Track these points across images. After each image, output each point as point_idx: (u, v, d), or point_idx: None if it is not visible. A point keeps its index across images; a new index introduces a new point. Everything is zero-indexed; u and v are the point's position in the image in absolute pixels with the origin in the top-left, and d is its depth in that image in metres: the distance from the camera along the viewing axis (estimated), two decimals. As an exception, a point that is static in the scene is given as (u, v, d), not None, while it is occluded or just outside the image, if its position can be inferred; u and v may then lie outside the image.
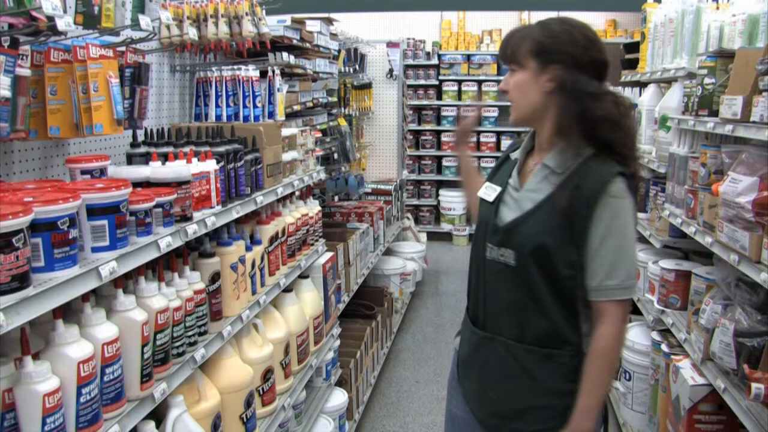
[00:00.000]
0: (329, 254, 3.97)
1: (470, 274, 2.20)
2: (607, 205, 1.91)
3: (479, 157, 9.87)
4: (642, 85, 4.84)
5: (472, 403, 2.19)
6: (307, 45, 4.27)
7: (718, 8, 3.56)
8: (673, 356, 3.26)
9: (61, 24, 1.86)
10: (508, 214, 2.05)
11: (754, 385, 2.25)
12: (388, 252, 6.80)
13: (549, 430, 2.03)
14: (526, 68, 1.99)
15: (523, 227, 1.99)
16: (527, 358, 2.03)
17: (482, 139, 9.98)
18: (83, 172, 2.10)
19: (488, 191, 2.15)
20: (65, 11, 1.97)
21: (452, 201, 9.62)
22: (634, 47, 5.23)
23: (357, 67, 6.42)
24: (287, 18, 3.95)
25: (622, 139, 1.96)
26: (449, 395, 2.34)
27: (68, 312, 1.82)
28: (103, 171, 2.14)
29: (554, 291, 1.98)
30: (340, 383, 4.20)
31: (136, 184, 2.11)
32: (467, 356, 2.20)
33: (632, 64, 5.14)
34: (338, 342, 4.16)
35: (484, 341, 2.12)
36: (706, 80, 2.99)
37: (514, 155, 2.18)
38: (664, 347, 3.44)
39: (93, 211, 1.79)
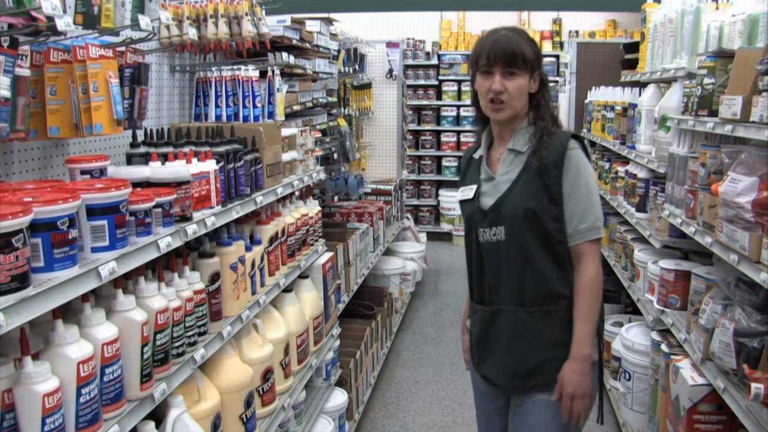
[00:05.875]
0: (329, 254, 3.97)
1: (469, 264, 2.52)
2: (570, 163, 2.28)
3: (441, 157, 10.17)
4: (642, 85, 4.84)
5: (493, 375, 2.48)
6: (307, 45, 4.27)
7: (717, 8, 3.55)
8: (672, 356, 3.26)
9: (60, 24, 1.86)
10: (490, 199, 2.36)
11: (753, 385, 2.25)
12: (388, 252, 6.80)
13: (538, 376, 2.35)
14: (525, 73, 2.29)
15: (508, 202, 2.31)
16: (530, 318, 2.34)
17: (443, 139, 10.16)
18: (83, 172, 2.10)
19: (466, 192, 2.46)
20: (65, 11, 1.97)
21: (452, 201, 9.60)
22: (633, 47, 5.24)
23: (357, 67, 6.42)
24: (287, 18, 3.95)
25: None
26: (471, 377, 2.67)
27: (68, 312, 1.82)
28: (102, 171, 2.14)
29: (547, 251, 2.30)
30: (340, 383, 4.20)
31: (136, 185, 2.11)
32: (480, 334, 2.48)
33: (632, 64, 5.15)
34: (338, 342, 4.16)
35: (493, 315, 2.40)
36: (706, 80, 2.99)
37: (477, 154, 2.49)
38: (663, 347, 3.44)
39: (93, 211, 1.79)
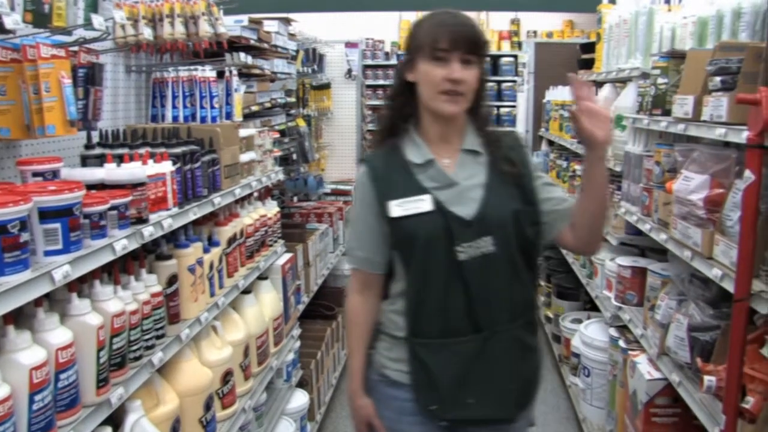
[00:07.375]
0: (288, 255, 3.95)
1: (417, 295, 2.06)
2: (530, 158, 2.17)
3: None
4: (598, 84, 4.91)
5: (490, 411, 2.07)
6: (265, 45, 4.24)
7: (670, 10, 3.63)
8: (630, 352, 3.32)
9: (8, 22, 1.82)
10: (465, 208, 2.01)
11: (706, 378, 2.31)
12: (349, 252, 6.77)
13: (535, 395, 2.19)
14: (479, 64, 2.02)
15: (494, 207, 2.02)
16: (521, 333, 2.09)
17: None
18: (35, 174, 2.05)
19: (414, 205, 2.03)
20: (12, 8, 1.93)
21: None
22: (590, 47, 5.32)
23: (315, 67, 6.39)
24: (244, 18, 3.92)
25: None
26: None
27: (20, 317, 1.77)
28: (55, 173, 2.09)
29: (524, 256, 2.08)
30: (301, 384, 4.18)
31: (90, 187, 2.06)
32: (461, 372, 2.04)
33: (588, 64, 5.23)
34: (298, 343, 4.14)
35: (484, 342, 2.03)
36: (659, 80, 3.04)
37: (417, 159, 2.08)
38: (621, 343, 3.49)
39: (45, 214, 1.75)
